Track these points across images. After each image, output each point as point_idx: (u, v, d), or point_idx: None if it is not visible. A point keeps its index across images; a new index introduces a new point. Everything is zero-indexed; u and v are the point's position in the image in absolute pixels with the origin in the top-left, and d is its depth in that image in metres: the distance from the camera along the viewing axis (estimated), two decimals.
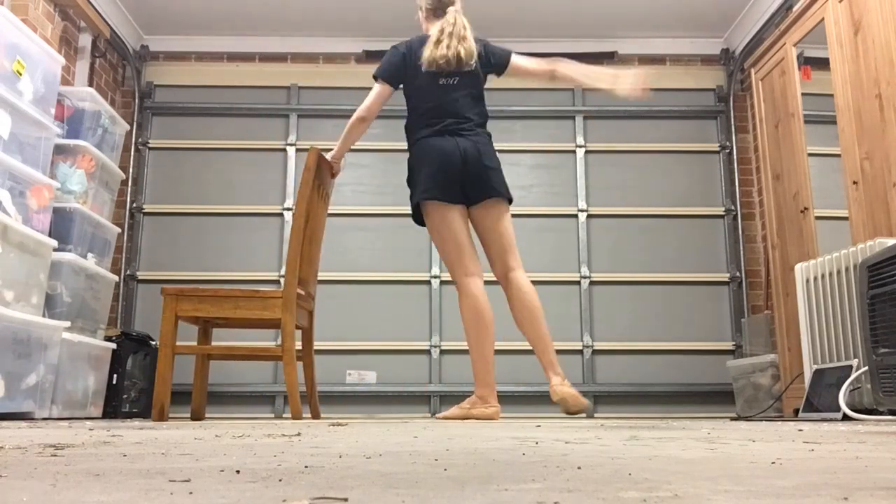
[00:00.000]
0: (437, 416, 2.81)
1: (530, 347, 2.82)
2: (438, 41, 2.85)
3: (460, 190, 2.82)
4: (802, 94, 3.62)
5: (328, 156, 3.01)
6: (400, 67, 2.91)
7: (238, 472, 0.73)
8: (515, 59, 2.98)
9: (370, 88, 5.28)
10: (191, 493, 0.57)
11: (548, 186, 4.73)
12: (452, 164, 2.78)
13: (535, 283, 4.91)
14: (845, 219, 3.13)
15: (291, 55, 4.90)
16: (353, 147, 4.69)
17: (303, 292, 2.86)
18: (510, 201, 2.91)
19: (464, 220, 2.86)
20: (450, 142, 2.80)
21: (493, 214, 2.88)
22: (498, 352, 4.54)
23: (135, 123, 4.72)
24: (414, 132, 2.91)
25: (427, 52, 2.85)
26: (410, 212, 2.95)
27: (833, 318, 2.95)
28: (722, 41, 4.89)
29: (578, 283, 4.59)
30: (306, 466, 0.78)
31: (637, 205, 4.70)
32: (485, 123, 2.94)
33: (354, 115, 2.93)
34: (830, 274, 2.97)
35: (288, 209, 4.64)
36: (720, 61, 4.90)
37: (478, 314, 2.75)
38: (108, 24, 4.33)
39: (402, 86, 2.97)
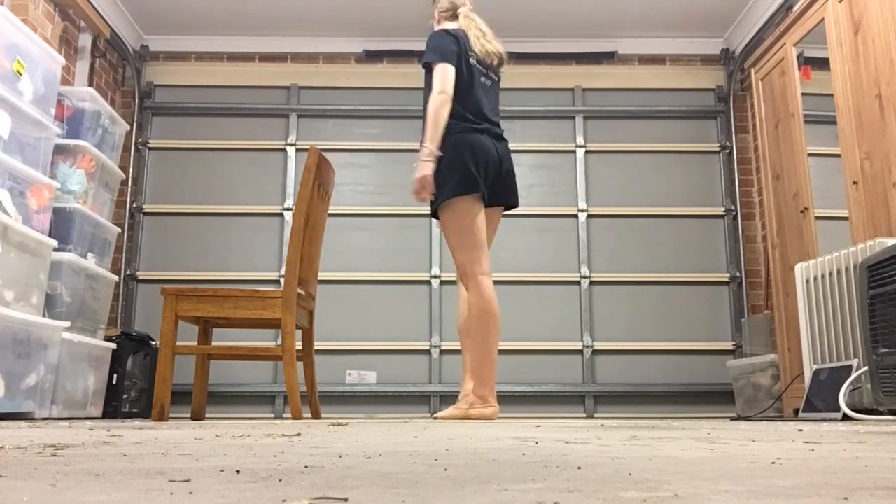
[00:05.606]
0: (436, 415, 2.80)
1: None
2: (479, 38, 2.85)
3: (489, 191, 2.83)
4: (802, 94, 3.62)
5: (424, 166, 2.70)
6: (458, 53, 2.79)
7: (238, 472, 0.73)
8: None
9: (370, 88, 5.26)
10: (191, 493, 0.57)
11: (548, 186, 4.73)
12: (493, 164, 2.80)
13: (535, 283, 4.89)
14: (845, 219, 3.13)
15: (291, 55, 4.90)
16: (352, 147, 4.75)
17: (303, 292, 2.86)
18: None
19: (485, 219, 2.85)
20: (490, 141, 2.81)
21: (496, 220, 2.99)
22: (499, 351, 4.55)
23: (135, 123, 4.72)
24: (453, 128, 2.76)
25: (479, 46, 2.82)
26: (428, 211, 2.93)
27: (833, 318, 2.95)
28: (722, 41, 4.89)
29: (578, 283, 4.59)
30: (306, 466, 0.78)
31: (637, 205, 4.70)
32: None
33: (438, 96, 2.69)
34: (830, 274, 2.97)
35: (288, 209, 4.64)
36: (720, 61, 4.90)
37: (491, 314, 2.72)
38: (108, 24, 4.33)
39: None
